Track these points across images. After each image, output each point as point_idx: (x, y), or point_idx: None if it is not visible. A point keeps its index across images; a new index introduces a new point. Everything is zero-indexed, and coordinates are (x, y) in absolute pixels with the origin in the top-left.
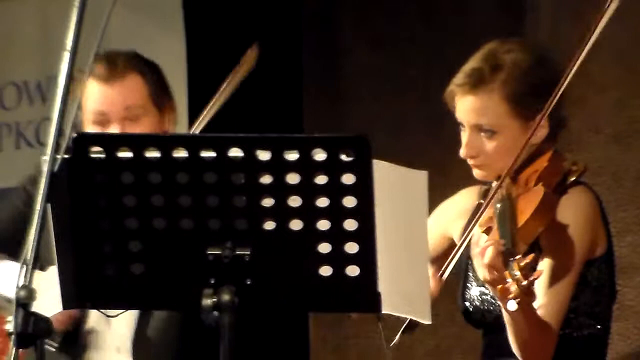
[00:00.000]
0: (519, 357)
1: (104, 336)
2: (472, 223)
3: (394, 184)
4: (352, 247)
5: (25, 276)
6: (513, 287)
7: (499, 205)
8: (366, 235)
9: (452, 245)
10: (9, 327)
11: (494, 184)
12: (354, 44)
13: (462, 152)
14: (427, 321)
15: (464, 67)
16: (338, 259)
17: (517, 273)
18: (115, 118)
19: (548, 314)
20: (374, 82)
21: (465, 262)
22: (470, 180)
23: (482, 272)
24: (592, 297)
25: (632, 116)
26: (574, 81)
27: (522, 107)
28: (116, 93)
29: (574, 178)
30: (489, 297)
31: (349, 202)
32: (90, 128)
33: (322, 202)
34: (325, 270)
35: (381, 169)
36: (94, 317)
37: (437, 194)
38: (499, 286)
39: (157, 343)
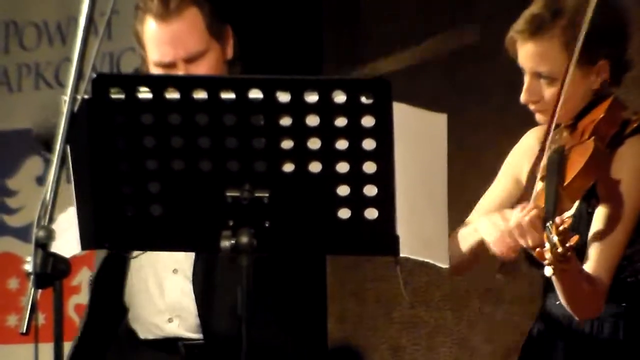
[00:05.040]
0: (567, 308)
1: (161, 256)
2: (534, 167)
3: (414, 126)
4: (371, 190)
5: (45, 216)
6: (547, 255)
7: (551, 157)
8: (385, 178)
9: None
10: (28, 267)
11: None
12: None
13: (522, 98)
14: (445, 265)
15: (524, 12)
16: (357, 202)
17: (555, 237)
18: (179, 63)
19: (600, 265)
20: (395, 25)
21: None
22: (486, 127)
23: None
24: None
25: None
26: None
27: (583, 54)
28: (175, 35)
29: (632, 128)
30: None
31: (369, 144)
32: (154, 70)
33: (342, 144)
34: (344, 213)
35: (401, 112)
36: None
37: (453, 139)
38: (537, 249)
39: (219, 268)
